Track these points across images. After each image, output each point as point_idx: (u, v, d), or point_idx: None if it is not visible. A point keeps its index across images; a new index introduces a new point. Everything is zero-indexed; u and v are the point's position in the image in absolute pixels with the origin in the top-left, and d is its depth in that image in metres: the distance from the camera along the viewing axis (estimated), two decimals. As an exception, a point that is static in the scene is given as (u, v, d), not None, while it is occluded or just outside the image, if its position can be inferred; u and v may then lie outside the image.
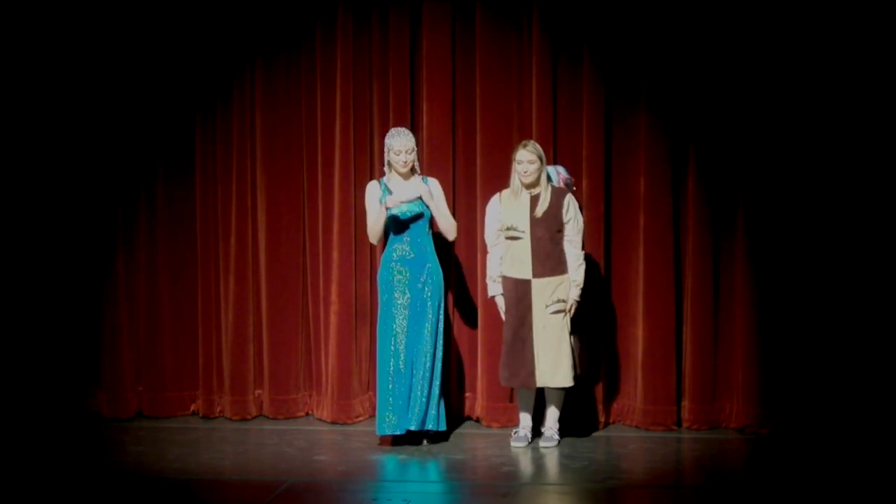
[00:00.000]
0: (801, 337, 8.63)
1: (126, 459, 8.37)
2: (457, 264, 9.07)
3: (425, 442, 8.50)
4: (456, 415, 9.05)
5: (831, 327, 8.58)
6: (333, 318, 9.10)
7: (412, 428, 8.39)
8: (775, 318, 8.68)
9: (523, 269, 8.35)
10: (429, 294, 8.46)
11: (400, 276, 8.46)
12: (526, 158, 8.30)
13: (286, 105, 9.23)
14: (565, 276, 8.34)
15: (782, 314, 8.66)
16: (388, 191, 8.47)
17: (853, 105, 8.54)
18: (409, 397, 8.39)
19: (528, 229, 8.34)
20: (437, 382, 8.45)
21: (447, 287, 8.77)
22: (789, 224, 8.65)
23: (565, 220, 8.33)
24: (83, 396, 9.37)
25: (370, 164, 9.11)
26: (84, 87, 9.25)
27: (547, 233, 8.33)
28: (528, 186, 8.35)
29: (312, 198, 9.22)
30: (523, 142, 8.40)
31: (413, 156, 8.47)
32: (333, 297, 9.09)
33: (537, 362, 8.30)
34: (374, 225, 8.47)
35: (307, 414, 9.33)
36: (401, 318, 8.45)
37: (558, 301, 8.32)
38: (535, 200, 8.35)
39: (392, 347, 8.43)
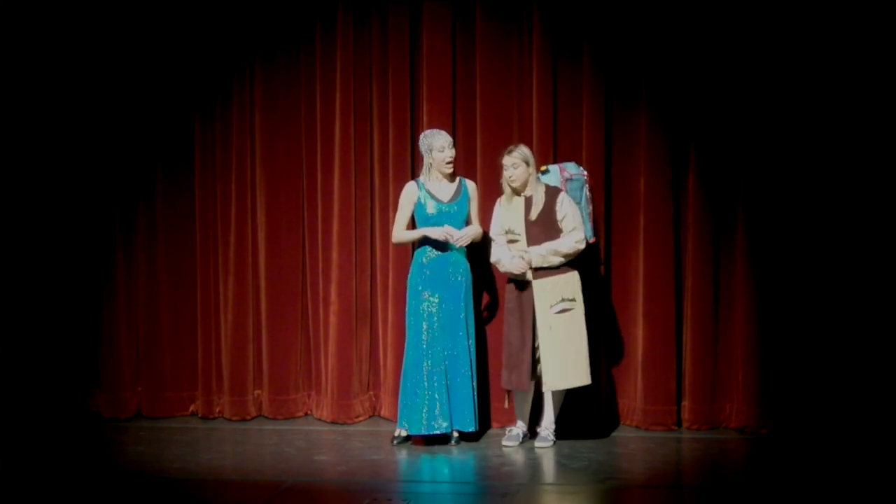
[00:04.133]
0: (800, 337, 8.63)
1: (125, 459, 8.35)
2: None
3: (454, 441, 8.50)
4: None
5: (831, 327, 8.58)
6: (333, 319, 9.10)
7: (468, 429, 8.41)
8: (775, 318, 8.68)
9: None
10: (460, 294, 8.46)
11: (431, 277, 8.47)
12: (510, 163, 8.32)
13: (286, 105, 9.23)
14: (568, 274, 8.32)
15: (782, 314, 8.66)
16: (428, 194, 8.48)
17: (853, 105, 8.54)
18: (450, 397, 8.39)
19: (523, 232, 8.34)
20: (475, 381, 8.49)
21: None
22: (789, 224, 8.65)
23: (559, 217, 8.32)
24: (82, 396, 9.36)
25: (370, 164, 9.11)
26: (83, 88, 9.24)
27: (543, 233, 8.32)
28: (517, 191, 8.36)
29: (312, 198, 9.22)
30: (509, 147, 8.41)
31: (454, 150, 8.48)
32: (333, 297, 9.09)
33: (544, 365, 8.27)
34: (404, 238, 8.56)
35: (307, 414, 9.32)
36: (432, 318, 8.45)
37: (563, 300, 8.31)
38: (528, 203, 8.36)
39: (424, 347, 8.43)
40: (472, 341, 8.52)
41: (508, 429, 8.59)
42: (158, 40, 9.21)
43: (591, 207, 8.57)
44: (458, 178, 8.58)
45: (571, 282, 8.32)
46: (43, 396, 9.20)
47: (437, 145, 8.47)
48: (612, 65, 8.86)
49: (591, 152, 8.85)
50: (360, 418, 9.14)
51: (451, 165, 8.49)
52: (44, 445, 8.64)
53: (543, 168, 8.55)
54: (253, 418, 9.29)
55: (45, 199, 9.26)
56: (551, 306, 8.28)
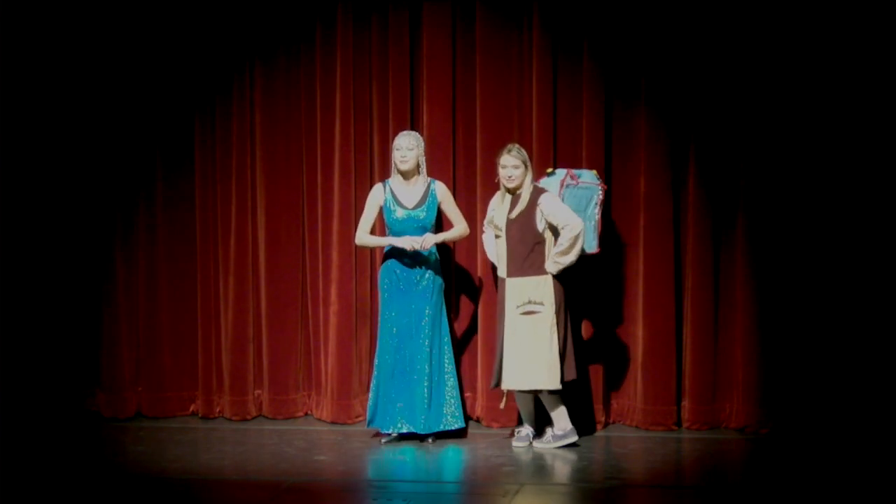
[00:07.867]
0: (801, 337, 8.63)
1: (126, 459, 8.36)
2: (455, 264, 9.07)
3: (430, 440, 8.52)
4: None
5: (831, 327, 8.58)
6: (333, 319, 9.10)
7: (422, 430, 8.44)
8: (775, 318, 8.68)
9: (501, 268, 8.38)
10: (428, 297, 8.47)
11: (397, 279, 8.48)
12: (510, 163, 8.30)
13: (286, 105, 9.23)
14: (541, 278, 8.27)
15: (782, 314, 8.66)
16: (393, 195, 8.48)
17: (853, 105, 8.54)
18: (415, 397, 8.42)
19: (504, 228, 8.34)
20: (452, 382, 8.52)
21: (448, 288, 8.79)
22: (789, 224, 8.65)
23: (547, 217, 8.27)
24: (82, 396, 9.36)
25: (370, 164, 9.11)
26: (83, 88, 9.24)
27: (519, 233, 8.30)
28: (512, 191, 8.35)
29: (312, 198, 9.22)
30: (507, 146, 8.38)
31: (412, 154, 8.48)
32: (333, 297, 9.09)
33: (504, 364, 8.30)
34: (368, 243, 8.60)
35: (307, 414, 9.33)
36: (399, 320, 8.47)
37: (529, 303, 8.29)
38: (514, 201, 8.36)
39: (391, 348, 8.46)
40: (447, 343, 8.53)
41: (517, 430, 8.59)
42: (158, 40, 9.21)
43: (598, 218, 8.50)
44: (428, 182, 8.57)
45: (541, 285, 8.28)
46: (43, 396, 9.21)
47: (396, 144, 8.52)
48: (612, 65, 8.86)
49: (591, 152, 8.85)
50: (360, 418, 9.13)
51: (405, 164, 8.47)
52: (44, 445, 8.64)
53: (549, 170, 8.55)
54: (253, 418, 9.29)
55: (45, 200, 9.26)
56: (517, 306, 8.29)
